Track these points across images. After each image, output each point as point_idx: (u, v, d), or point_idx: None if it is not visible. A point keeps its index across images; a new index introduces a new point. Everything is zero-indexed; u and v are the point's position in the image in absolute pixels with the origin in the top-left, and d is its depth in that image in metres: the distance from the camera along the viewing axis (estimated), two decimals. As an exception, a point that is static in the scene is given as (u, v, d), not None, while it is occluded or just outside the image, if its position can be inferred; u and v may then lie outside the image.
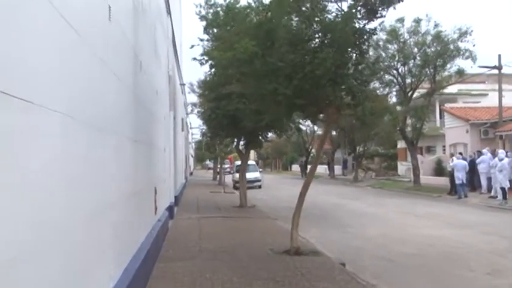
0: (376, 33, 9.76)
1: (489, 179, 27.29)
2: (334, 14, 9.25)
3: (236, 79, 9.81)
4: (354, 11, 9.06)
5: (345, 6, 9.29)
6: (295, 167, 76.79)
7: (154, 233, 9.77)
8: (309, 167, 59.12)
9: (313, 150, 69.62)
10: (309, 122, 48.66)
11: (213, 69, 12.50)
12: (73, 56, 4.17)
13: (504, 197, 23.59)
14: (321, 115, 11.20)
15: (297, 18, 9.54)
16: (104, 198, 5.21)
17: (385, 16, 9.32)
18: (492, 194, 26.12)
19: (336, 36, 8.76)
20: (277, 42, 9.04)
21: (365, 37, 9.31)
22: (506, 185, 23.74)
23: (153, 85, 10.85)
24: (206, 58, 10.95)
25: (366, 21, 9.33)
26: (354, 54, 9.53)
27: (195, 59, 11.21)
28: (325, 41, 9.16)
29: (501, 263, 11.13)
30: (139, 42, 8.48)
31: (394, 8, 9.19)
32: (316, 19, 9.17)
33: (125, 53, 6.97)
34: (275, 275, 8.91)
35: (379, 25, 9.50)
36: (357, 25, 9.23)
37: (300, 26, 9.37)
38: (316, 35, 9.40)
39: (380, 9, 9.21)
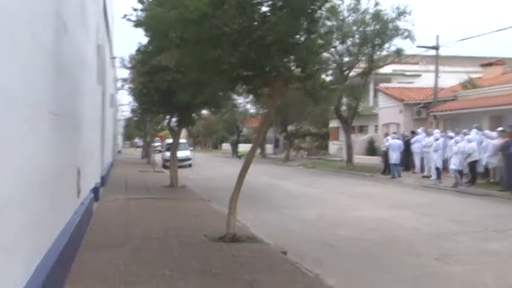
0: (330, 0, 8.98)
1: (422, 159, 27.40)
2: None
3: (176, 45, 8.73)
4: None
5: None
6: (225, 146, 76.27)
7: (76, 218, 8.69)
8: (239, 145, 59.23)
9: (244, 129, 69.22)
10: (242, 100, 48.39)
11: (149, 33, 11.19)
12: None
13: (438, 176, 23.69)
14: (266, 89, 10.38)
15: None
16: (9, 187, 4.19)
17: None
18: (425, 173, 26.28)
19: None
20: (226, 3, 8.08)
21: (318, 4, 8.51)
22: (441, 164, 23.79)
23: (80, 53, 9.65)
24: (143, 17, 9.71)
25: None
26: (306, 22, 8.72)
27: (128, 19, 9.97)
28: (277, 5, 8.32)
29: (447, 247, 10.69)
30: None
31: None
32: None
33: (44, 6, 5.85)
34: (211, 267, 8.01)
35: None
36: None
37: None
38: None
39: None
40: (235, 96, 20.62)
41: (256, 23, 8.45)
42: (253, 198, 17.15)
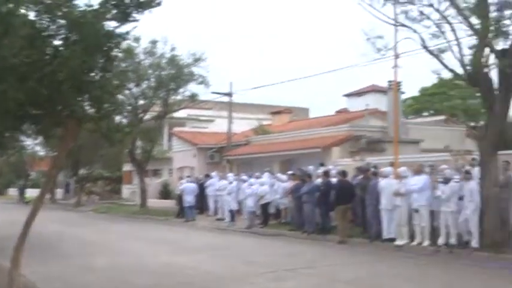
0: (128, 38, 8.70)
1: (216, 202, 27.81)
2: (82, 9, 7.92)
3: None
4: (104, 10, 7.84)
5: (94, 1, 8.02)
6: (12, 191, 71.36)
7: None
8: (27, 191, 55.66)
9: (33, 173, 65.35)
10: (31, 141, 45.73)
11: None
12: None
13: (232, 219, 24.20)
14: (57, 130, 9.68)
15: (37, 8, 7.94)
16: None
17: (138, 20, 8.30)
18: (219, 216, 26.70)
19: (83, 33, 7.47)
20: (12, 33, 7.35)
21: (114, 42, 8.16)
22: (234, 207, 24.29)
23: None
24: None
25: (118, 24, 8.21)
26: (101, 60, 8.29)
27: None
28: (71, 39, 7.80)
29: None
30: None
31: (150, 11, 8.22)
32: (60, 13, 7.72)
33: None
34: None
35: (133, 29, 8.45)
36: (106, 27, 8.06)
37: (41, 18, 7.83)
38: (61, 31, 7.98)
39: (134, 12, 8.15)
40: (23, 137, 19.26)
41: (48, 57, 7.85)
42: (41, 248, 15.95)
